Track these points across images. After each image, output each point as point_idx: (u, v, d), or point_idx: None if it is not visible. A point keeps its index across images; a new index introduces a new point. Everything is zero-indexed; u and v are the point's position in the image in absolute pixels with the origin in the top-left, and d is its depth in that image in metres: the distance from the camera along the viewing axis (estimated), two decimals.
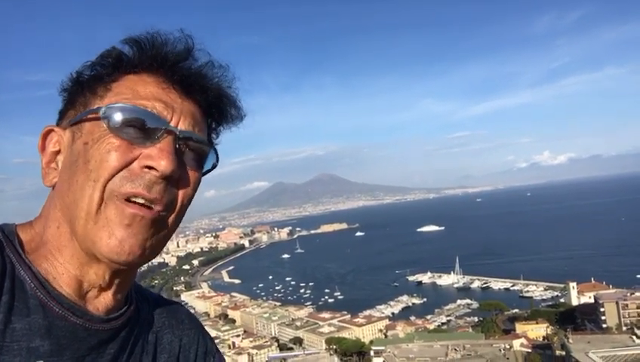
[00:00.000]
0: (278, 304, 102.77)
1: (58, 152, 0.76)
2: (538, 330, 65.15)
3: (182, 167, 0.74)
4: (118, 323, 0.78)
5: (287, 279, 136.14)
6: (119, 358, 0.77)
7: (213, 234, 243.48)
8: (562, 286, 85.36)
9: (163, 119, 0.72)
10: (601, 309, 64.52)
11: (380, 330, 77.52)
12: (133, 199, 0.69)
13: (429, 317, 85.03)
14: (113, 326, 0.77)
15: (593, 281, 78.88)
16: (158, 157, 0.69)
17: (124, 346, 0.79)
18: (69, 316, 0.70)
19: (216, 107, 0.84)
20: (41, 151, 0.77)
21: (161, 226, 0.74)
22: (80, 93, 0.76)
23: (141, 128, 0.70)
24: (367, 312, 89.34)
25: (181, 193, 0.75)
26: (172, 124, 0.73)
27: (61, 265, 0.73)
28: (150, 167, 0.69)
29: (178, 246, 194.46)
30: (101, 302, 0.76)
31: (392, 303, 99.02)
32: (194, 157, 0.77)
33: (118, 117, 0.70)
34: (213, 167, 0.82)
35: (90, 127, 0.72)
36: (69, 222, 0.71)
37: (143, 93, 0.74)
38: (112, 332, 0.76)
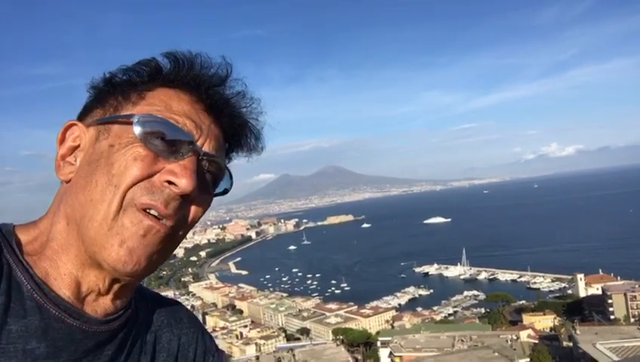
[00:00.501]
0: (285, 295, 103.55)
1: (77, 147, 0.76)
2: (545, 321, 65.19)
3: (199, 187, 0.74)
4: (116, 325, 0.77)
5: (294, 270, 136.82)
6: (116, 359, 0.76)
7: (221, 226, 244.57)
8: (570, 277, 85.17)
9: (191, 138, 0.74)
10: (609, 301, 64.40)
11: (387, 321, 77.96)
12: (148, 211, 0.70)
13: (435, 308, 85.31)
14: (111, 327, 0.76)
15: (601, 273, 78.60)
16: (181, 175, 0.70)
17: (122, 347, 0.78)
18: (66, 318, 0.70)
19: (238, 135, 0.86)
20: (59, 143, 0.77)
21: (168, 241, 0.74)
22: (111, 95, 0.77)
23: (168, 142, 0.71)
24: (373, 303, 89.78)
25: (192, 212, 0.76)
26: (198, 144, 0.75)
27: (64, 264, 0.72)
28: (170, 183, 0.70)
29: (186, 238, 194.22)
30: (100, 305, 0.76)
31: (398, 294, 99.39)
32: (210, 179, 0.79)
33: (148, 127, 0.71)
34: (225, 191, 0.84)
35: (119, 131, 0.72)
36: (79, 220, 0.71)
37: (175, 108, 0.75)
38: (110, 334, 0.76)
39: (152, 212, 0.70)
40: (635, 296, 63.08)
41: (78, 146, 0.76)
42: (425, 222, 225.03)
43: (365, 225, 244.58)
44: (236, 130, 0.85)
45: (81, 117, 0.80)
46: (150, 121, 0.71)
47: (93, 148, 0.73)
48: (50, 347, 0.67)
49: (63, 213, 0.73)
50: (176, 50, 0.79)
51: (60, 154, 0.76)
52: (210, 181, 0.79)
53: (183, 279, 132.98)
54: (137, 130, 0.70)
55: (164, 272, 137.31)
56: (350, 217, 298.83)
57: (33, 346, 0.66)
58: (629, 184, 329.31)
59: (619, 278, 74.45)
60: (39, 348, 0.66)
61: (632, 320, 58.27)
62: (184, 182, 0.70)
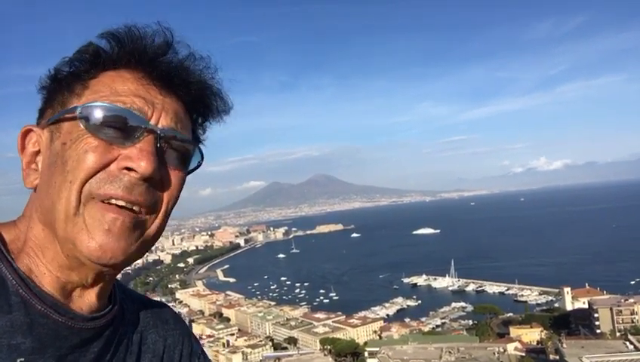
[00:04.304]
0: (272, 303, 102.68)
1: (38, 152, 0.74)
2: (532, 334, 65.48)
3: (164, 167, 0.72)
4: (102, 322, 0.76)
5: (283, 279, 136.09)
6: (102, 357, 0.76)
7: (209, 233, 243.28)
8: (557, 291, 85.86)
9: (142, 117, 0.70)
10: (596, 315, 64.95)
11: (375, 331, 77.62)
12: (114, 201, 0.67)
13: (423, 319, 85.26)
14: (97, 324, 0.75)
15: (587, 287, 79.40)
16: (138, 158, 0.67)
17: (108, 345, 0.77)
18: (52, 314, 0.69)
19: (201, 101, 0.81)
20: (21, 151, 0.75)
21: (143, 229, 0.72)
22: (58, 92, 0.74)
23: (120, 127, 0.68)
24: (361, 313, 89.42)
25: (165, 194, 0.73)
26: (152, 122, 0.71)
27: (44, 265, 0.72)
28: (129, 169, 0.67)
29: (173, 244, 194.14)
30: (85, 301, 0.75)
31: (387, 305, 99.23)
32: (177, 156, 0.75)
33: (95, 116, 0.68)
34: (198, 165, 0.80)
35: (69, 127, 0.70)
36: (49, 225, 0.70)
37: (121, 90, 0.71)
38: (96, 331, 0.75)
39: (119, 202, 0.68)
40: (620, 311, 63.72)
41: (39, 151, 0.74)
42: (414, 232, 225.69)
43: (355, 235, 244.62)
44: (196, 96, 0.79)
45: (38, 121, 0.78)
46: (94, 109, 0.68)
47: (49, 151, 0.72)
48: (36, 342, 0.67)
49: (36, 218, 0.73)
50: (112, 27, 0.75)
51: (25, 163, 0.75)
52: (177, 158, 0.75)
53: (169, 285, 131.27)
54: (83, 121, 0.68)
55: (150, 278, 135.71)
56: (340, 226, 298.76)
57: (18, 341, 0.65)
58: (614, 199, 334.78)
59: (605, 292, 75.28)
60: (24, 344, 0.66)
61: (618, 334, 58.76)
62: (143, 165, 0.67)
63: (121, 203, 0.67)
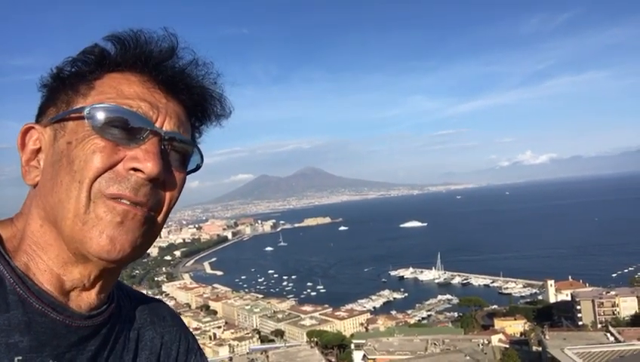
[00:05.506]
0: (260, 296, 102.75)
1: (39, 150, 0.74)
2: (516, 326, 66.36)
3: (167, 168, 0.73)
4: (99, 320, 0.76)
5: (270, 272, 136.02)
6: (100, 355, 0.76)
7: (196, 226, 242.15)
8: (541, 283, 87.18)
9: (148, 120, 0.71)
10: (578, 307, 66.07)
11: (361, 324, 78.09)
12: (119, 200, 0.69)
13: (409, 311, 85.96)
14: (94, 322, 0.75)
15: (570, 279, 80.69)
16: (145, 159, 0.68)
17: (105, 343, 0.78)
18: (50, 312, 0.69)
19: (201, 106, 0.83)
20: (21, 149, 0.75)
21: (150, 226, 0.73)
22: (61, 91, 0.75)
23: (126, 129, 0.69)
24: (348, 306, 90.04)
25: (167, 194, 0.75)
26: (157, 124, 0.72)
27: (44, 262, 0.72)
28: (136, 169, 0.68)
29: (160, 237, 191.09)
30: (84, 300, 0.75)
31: (373, 297, 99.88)
32: (178, 158, 0.77)
33: (102, 117, 0.68)
34: (197, 167, 0.82)
35: (74, 127, 0.70)
36: (54, 222, 0.70)
37: (127, 92, 0.72)
38: (93, 329, 0.75)
39: (124, 201, 0.68)
40: (602, 303, 64.87)
41: (40, 149, 0.74)
42: (401, 226, 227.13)
43: (342, 228, 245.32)
44: (197, 101, 0.81)
45: (38, 118, 0.78)
46: (102, 110, 0.69)
47: (53, 149, 0.72)
48: (34, 341, 0.67)
49: (35, 215, 0.73)
50: (118, 30, 0.76)
51: (25, 160, 0.75)
52: (179, 159, 0.77)
53: (156, 278, 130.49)
54: (90, 122, 0.68)
55: (136, 271, 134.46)
56: (327, 219, 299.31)
57: (16, 340, 0.65)
58: (597, 193, 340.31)
59: (587, 285, 76.59)
60: (22, 342, 0.66)
61: (599, 326, 59.81)
62: (149, 166, 0.68)
63: (126, 202, 0.69)
